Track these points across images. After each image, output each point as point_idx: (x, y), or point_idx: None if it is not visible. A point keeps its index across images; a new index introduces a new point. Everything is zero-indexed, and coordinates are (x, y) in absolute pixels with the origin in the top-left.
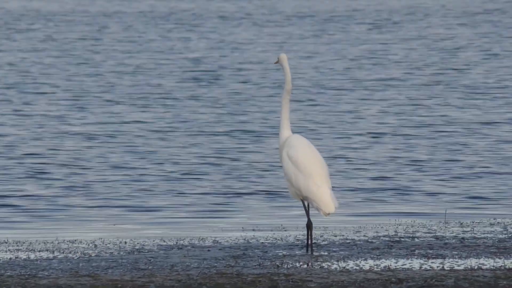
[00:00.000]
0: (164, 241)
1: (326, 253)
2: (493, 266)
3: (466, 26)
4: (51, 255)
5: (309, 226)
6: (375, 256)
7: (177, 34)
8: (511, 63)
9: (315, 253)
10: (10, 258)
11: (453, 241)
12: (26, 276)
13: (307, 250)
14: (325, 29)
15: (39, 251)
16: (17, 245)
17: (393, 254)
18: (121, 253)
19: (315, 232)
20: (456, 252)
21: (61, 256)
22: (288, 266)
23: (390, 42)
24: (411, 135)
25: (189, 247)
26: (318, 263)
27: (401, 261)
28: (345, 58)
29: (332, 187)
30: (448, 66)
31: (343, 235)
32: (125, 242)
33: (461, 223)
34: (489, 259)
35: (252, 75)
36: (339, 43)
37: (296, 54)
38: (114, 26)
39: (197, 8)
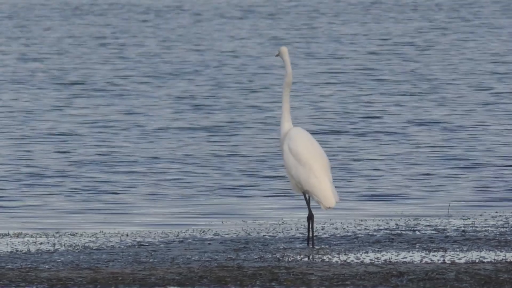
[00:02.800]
0: (165, 234)
1: (327, 246)
2: (494, 259)
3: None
4: (52, 248)
5: (310, 218)
6: (376, 249)
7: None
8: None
9: (316, 246)
10: (11, 251)
11: (454, 234)
12: (27, 269)
13: (308, 243)
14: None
15: (40, 244)
16: (18, 238)
17: (394, 247)
18: (122, 246)
19: (316, 226)
20: (457, 245)
21: (62, 249)
22: (289, 259)
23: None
24: (412, 127)
25: (190, 240)
26: (319, 256)
27: (402, 254)
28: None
29: (333, 180)
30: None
31: (344, 228)
32: (126, 235)
33: (463, 216)
34: (491, 252)
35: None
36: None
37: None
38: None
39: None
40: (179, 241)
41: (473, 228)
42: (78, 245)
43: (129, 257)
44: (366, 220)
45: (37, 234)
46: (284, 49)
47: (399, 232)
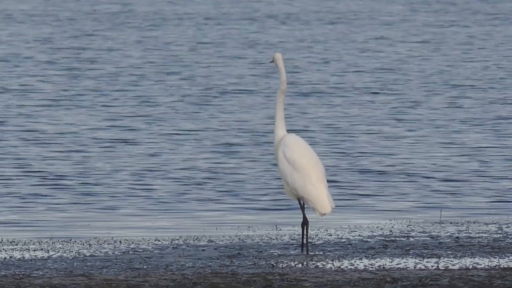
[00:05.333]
0: (159, 241)
1: (321, 253)
2: (488, 265)
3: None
4: (45, 255)
5: (304, 224)
6: (370, 255)
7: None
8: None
9: (310, 253)
10: (5, 258)
11: (448, 240)
12: (21, 275)
13: (302, 250)
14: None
15: (34, 250)
16: (12, 245)
17: (388, 253)
18: (116, 252)
19: (310, 232)
20: (451, 252)
21: (56, 255)
22: (283, 266)
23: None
24: (403, 134)
25: (184, 247)
26: (313, 262)
27: (396, 261)
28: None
29: (328, 186)
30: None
31: (338, 234)
32: (120, 242)
33: (456, 223)
34: (484, 258)
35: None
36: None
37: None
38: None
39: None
40: (173, 247)
41: (467, 234)
42: (72, 251)
43: (123, 264)
44: (360, 227)
45: (31, 240)
46: (279, 56)
47: (393, 238)
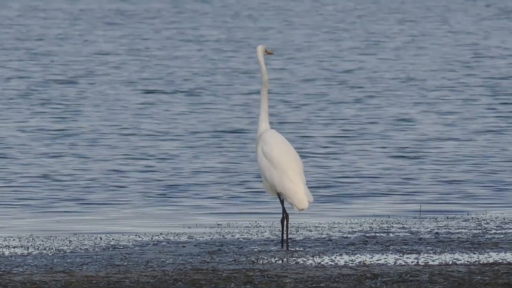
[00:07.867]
0: (139, 237)
1: (301, 249)
2: (468, 261)
3: None
4: (25, 251)
5: (284, 219)
6: (350, 251)
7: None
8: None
9: (290, 249)
10: None
11: (428, 236)
12: (0, 272)
13: (282, 246)
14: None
15: (14, 247)
16: None
17: (368, 249)
18: (96, 249)
19: (290, 228)
20: (430, 248)
21: (36, 252)
22: (264, 262)
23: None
24: (386, 130)
25: (164, 243)
26: (294, 258)
27: (376, 257)
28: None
29: (307, 182)
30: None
31: (318, 230)
32: (100, 238)
33: (436, 219)
34: (464, 254)
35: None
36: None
37: None
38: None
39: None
40: (153, 244)
41: (446, 230)
42: (52, 248)
43: (103, 260)
44: (340, 223)
45: (11, 237)
46: (258, 48)
47: (373, 234)
